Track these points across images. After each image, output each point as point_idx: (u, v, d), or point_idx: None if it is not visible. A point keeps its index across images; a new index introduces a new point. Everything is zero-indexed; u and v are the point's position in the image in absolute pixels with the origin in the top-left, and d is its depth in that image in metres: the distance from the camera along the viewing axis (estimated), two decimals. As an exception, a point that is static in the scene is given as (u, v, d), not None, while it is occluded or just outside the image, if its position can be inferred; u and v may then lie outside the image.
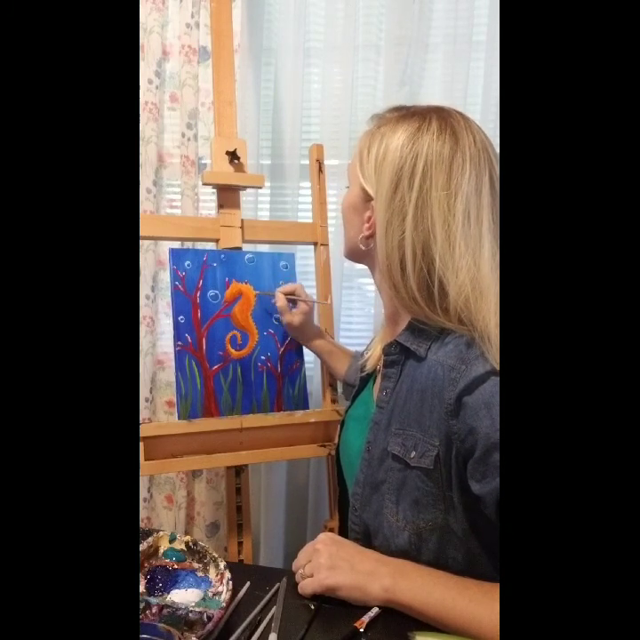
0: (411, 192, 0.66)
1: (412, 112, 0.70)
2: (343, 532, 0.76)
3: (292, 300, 1.07)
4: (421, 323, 0.69)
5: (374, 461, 0.71)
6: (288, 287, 1.07)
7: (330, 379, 1.17)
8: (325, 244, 1.19)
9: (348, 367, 1.08)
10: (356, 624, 0.57)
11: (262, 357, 1.08)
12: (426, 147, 0.66)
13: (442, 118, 0.68)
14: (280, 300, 1.05)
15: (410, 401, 0.68)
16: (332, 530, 1.09)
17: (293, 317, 1.06)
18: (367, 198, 0.72)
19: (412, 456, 0.65)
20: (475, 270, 0.66)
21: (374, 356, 0.84)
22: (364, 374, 0.86)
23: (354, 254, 0.80)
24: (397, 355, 0.72)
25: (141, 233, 1.05)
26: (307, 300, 1.07)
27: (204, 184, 1.11)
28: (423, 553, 0.64)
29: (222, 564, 0.64)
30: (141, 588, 0.63)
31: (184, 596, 0.62)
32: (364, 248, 0.75)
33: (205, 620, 0.56)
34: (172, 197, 1.39)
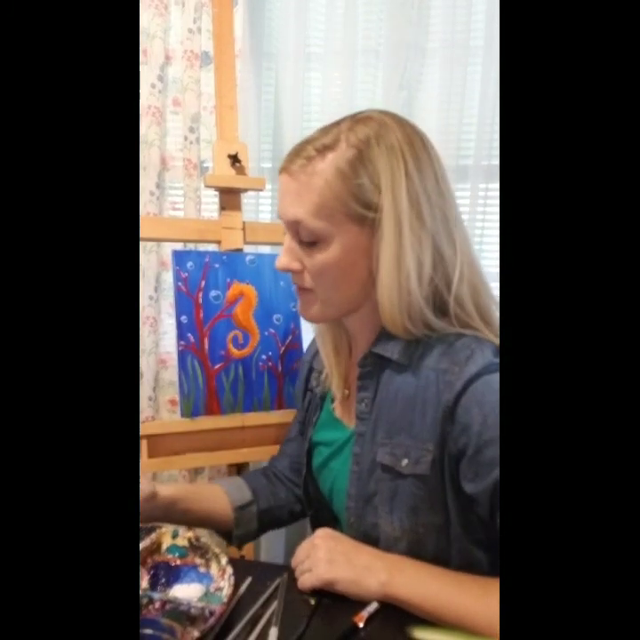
0: (416, 196, 0.64)
1: (345, 124, 0.66)
2: None
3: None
4: (392, 333, 0.67)
5: (364, 474, 0.70)
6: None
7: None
8: (325, 246, 1.20)
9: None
10: (356, 619, 0.57)
11: (263, 357, 1.09)
12: (403, 144, 0.65)
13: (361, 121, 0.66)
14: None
15: (394, 409, 0.67)
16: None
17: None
18: (373, 230, 0.65)
19: (403, 464, 0.65)
20: (468, 264, 0.68)
21: (337, 378, 0.79)
22: (316, 398, 0.84)
23: (354, 304, 0.70)
24: (372, 366, 0.71)
25: (145, 234, 1.06)
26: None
27: (207, 187, 1.12)
28: (422, 557, 0.64)
29: (224, 560, 0.65)
30: (144, 584, 0.64)
31: (186, 592, 0.62)
32: (365, 293, 0.68)
33: (207, 614, 0.56)
34: (175, 200, 1.40)
